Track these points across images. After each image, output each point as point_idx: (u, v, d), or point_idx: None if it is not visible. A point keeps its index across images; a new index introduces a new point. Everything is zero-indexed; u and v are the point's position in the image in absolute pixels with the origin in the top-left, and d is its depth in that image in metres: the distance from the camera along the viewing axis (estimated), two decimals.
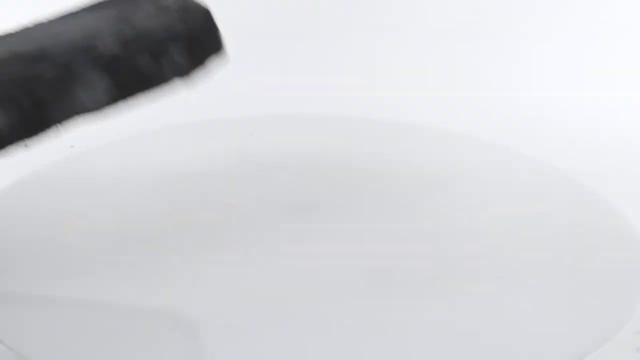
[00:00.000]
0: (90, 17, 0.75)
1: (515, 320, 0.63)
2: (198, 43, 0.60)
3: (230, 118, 0.94)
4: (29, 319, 0.60)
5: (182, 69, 0.60)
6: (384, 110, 1.05)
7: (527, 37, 1.99)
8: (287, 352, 0.56)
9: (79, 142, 0.98)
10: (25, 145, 0.65)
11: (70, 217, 0.77)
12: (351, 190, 0.77)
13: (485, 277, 0.67)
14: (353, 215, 0.73)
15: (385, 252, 0.68)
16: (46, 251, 0.69)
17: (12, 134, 0.59)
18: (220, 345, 0.59)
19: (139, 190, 0.83)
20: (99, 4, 0.82)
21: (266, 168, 0.83)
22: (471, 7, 1.82)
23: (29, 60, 0.64)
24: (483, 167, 0.87)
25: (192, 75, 0.60)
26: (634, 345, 0.65)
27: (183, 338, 0.59)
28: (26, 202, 0.81)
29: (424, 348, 0.58)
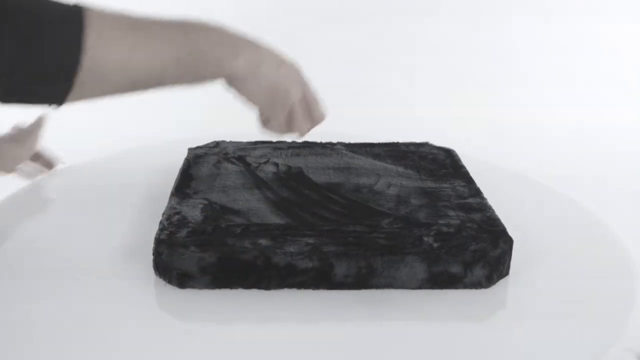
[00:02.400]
0: (398, 175, 0.91)
1: (508, 339, 0.70)
2: (499, 265, 0.75)
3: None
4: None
5: (480, 281, 0.74)
6: None
7: None
8: None
9: (68, 159, 1.10)
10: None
11: (63, 225, 0.86)
12: None
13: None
14: None
15: None
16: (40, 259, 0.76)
17: (342, 283, 0.72)
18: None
19: (122, 202, 0.91)
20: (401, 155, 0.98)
21: None
22: None
23: (371, 213, 0.80)
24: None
25: (486, 286, 0.74)
26: None
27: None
28: (25, 211, 0.90)
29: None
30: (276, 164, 0.95)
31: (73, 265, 0.78)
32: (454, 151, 1.03)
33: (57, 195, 0.98)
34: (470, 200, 0.85)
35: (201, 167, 0.94)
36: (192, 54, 0.60)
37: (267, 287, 0.72)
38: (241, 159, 0.97)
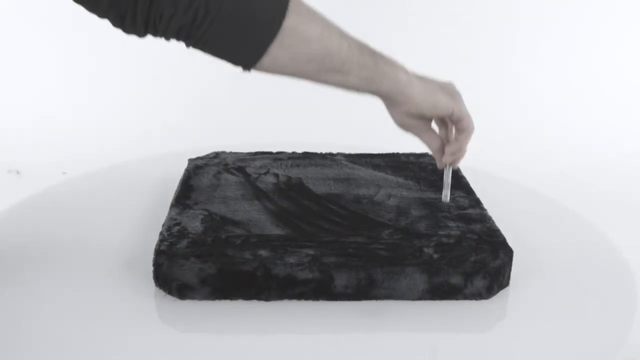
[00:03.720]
0: (398, 186, 0.91)
1: (508, 350, 0.70)
2: (499, 276, 0.75)
3: None
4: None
5: (480, 292, 0.74)
6: None
7: None
8: None
9: (70, 170, 1.11)
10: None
11: (64, 235, 0.86)
12: None
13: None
14: None
15: None
16: (41, 267, 0.77)
17: (342, 295, 0.72)
18: None
19: (123, 213, 0.92)
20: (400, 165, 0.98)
21: None
22: None
23: (371, 224, 0.80)
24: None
25: (487, 297, 0.74)
26: None
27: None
28: (26, 222, 0.91)
29: None
30: (276, 175, 0.95)
31: (73, 275, 0.78)
32: None
33: (58, 206, 0.98)
34: (470, 211, 0.85)
35: (201, 178, 0.94)
36: (373, 56, 0.68)
37: (267, 298, 0.72)
38: (241, 170, 0.97)
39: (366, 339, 0.69)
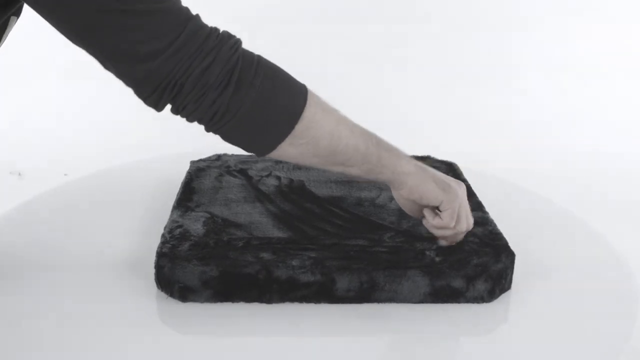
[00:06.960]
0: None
1: (509, 354, 0.69)
2: (501, 279, 0.74)
3: None
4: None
5: (482, 296, 0.74)
6: None
7: None
8: None
9: (71, 172, 1.11)
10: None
11: (65, 237, 0.87)
12: None
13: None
14: None
15: None
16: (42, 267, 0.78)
17: (343, 298, 0.72)
18: None
19: (123, 213, 0.92)
20: None
21: None
22: None
23: (372, 227, 0.80)
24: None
25: (488, 300, 0.74)
26: None
27: None
28: (28, 224, 0.91)
29: None
30: (278, 177, 0.95)
31: (74, 277, 0.78)
32: (456, 165, 1.03)
33: (59, 208, 0.98)
34: (472, 213, 0.85)
35: (203, 180, 0.94)
36: (377, 148, 0.72)
37: (269, 301, 0.72)
38: (243, 172, 0.97)
39: (368, 342, 0.69)
